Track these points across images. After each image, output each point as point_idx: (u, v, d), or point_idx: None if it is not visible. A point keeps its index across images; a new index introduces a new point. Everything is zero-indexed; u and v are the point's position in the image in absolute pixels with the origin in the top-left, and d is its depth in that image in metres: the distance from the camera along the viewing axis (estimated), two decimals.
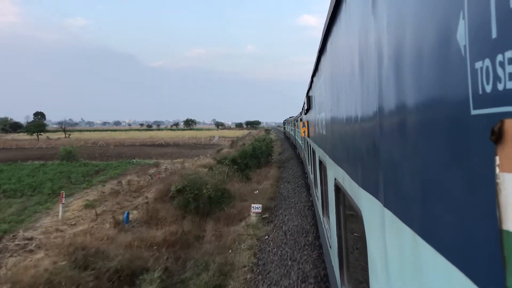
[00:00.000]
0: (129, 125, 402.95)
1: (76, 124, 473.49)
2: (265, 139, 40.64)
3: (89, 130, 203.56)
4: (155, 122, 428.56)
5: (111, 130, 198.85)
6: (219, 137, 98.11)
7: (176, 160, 37.23)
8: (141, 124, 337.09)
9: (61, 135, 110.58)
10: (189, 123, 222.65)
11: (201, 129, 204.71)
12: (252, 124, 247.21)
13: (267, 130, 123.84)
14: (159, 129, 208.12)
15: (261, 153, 28.22)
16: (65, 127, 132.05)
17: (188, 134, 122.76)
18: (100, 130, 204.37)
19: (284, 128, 74.91)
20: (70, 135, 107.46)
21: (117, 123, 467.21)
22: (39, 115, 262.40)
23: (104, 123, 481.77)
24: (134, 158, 42.23)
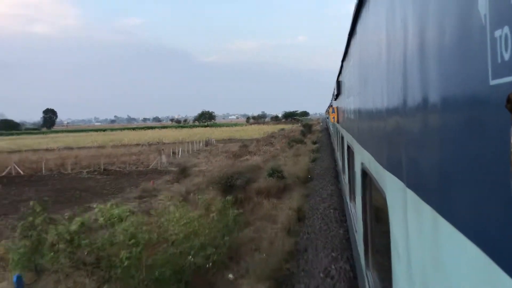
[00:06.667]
0: (156, 121, 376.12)
1: (113, 121, 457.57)
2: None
3: (71, 130, 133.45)
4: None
5: (100, 130, 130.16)
6: (211, 142, 55.21)
7: None
8: (172, 120, 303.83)
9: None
10: (207, 117, 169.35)
11: (221, 125, 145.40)
12: (293, 116, 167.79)
13: (306, 126, 69.12)
14: (163, 127, 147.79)
15: None
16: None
17: (177, 134, 78.10)
18: (83, 131, 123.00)
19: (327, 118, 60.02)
20: None
21: (156, 119, 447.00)
22: (50, 113, 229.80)
23: (145, 120, 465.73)
24: None
